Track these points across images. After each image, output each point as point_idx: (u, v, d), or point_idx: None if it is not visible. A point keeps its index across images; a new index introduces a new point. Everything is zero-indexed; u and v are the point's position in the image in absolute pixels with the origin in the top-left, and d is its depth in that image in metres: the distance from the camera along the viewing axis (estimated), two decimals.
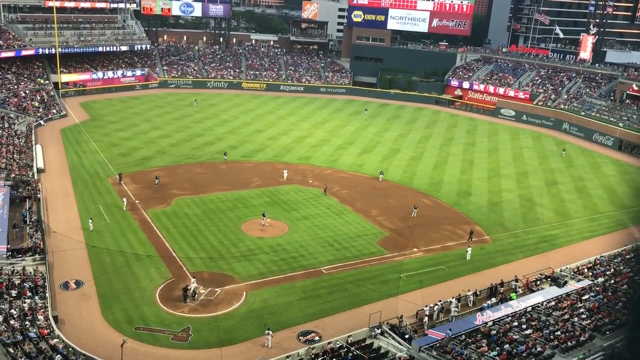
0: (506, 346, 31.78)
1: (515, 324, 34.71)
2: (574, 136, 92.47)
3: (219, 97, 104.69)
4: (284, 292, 39.53)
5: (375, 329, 34.64)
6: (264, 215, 50.26)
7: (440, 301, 37.81)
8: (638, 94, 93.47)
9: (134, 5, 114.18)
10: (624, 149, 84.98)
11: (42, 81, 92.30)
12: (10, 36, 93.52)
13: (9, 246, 40.58)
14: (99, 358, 30.32)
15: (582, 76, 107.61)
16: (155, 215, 50.79)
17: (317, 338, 34.49)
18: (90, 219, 47.32)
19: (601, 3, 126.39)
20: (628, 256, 44.68)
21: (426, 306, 37.23)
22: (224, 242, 46.40)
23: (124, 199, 52.27)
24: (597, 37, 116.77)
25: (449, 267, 44.90)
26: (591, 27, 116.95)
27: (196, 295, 37.75)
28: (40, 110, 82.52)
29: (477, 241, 49.97)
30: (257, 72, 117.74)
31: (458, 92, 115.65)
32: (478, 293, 39.96)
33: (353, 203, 56.80)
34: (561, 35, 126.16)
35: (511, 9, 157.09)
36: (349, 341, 33.16)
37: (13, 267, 38.13)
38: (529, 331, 33.59)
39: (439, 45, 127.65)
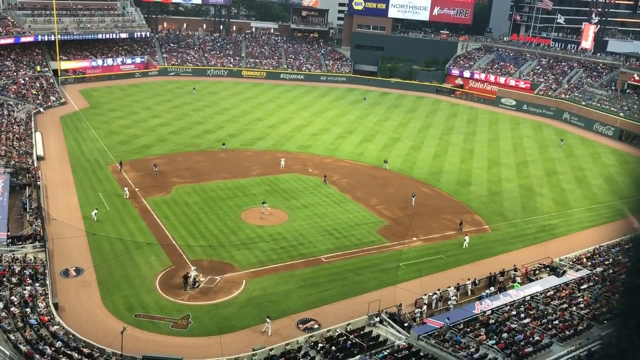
0: (504, 335, 31.98)
1: (514, 313, 34.89)
2: (574, 126, 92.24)
3: (218, 85, 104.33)
4: (283, 280, 39.68)
5: (374, 317, 34.85)
6: (264, 203, 50.32)
7: (439, 290, 38.00)
8: (639, 84, 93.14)
9: None
10: (625, 139, 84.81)
11: (39, 68, 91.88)
12: (9, 23, 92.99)
13: (9, 233, 40.71)
14: (99, 345, 30.48)
15: (584, 66, 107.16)
16: (155, 203, 50.84)
17: (316, 326, 34.64)
18: (96, 209, 47.17)
19: None
20: (627, 246, 44.72)
21: (425, 295, 37.40)
22: (224, 230, 46.49)
23: (125, 188, 52.12)
24: (599, 26, 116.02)
25: (448, 256, 45.04)
26: (593, 16, 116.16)
27: (196, 283, 37.89)
28: (40, 97, 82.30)
29: (477, 230, 50.09)
30: (257, 60, 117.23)
31: (459, 81, 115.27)
32: (477, 282, 40.13)
33: (353, 192, 56.83)
34: (563, 23, 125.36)
35: None
36: (348, 329, 33.38)
37: (13, 254, 38.25)
38: (527, 320, 33.77)
39: (440, 33, 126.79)
